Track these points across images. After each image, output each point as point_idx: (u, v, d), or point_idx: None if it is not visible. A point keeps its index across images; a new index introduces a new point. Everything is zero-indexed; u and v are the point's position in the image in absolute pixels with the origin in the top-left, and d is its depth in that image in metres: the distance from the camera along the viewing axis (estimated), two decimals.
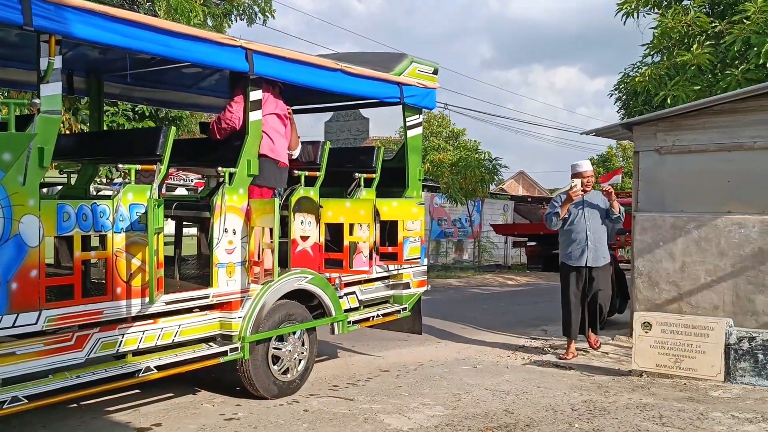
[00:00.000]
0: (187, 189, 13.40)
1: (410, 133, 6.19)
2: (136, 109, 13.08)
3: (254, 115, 4.76)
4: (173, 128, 4.28)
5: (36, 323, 3.58)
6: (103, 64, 5.55)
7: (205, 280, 4.80)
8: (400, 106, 6.04)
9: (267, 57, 4.75)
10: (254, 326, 4.77)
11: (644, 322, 5.99)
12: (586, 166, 6.89)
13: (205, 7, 10.89)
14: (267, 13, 14.49)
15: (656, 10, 10.67)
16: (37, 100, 3.22)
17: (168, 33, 4.11)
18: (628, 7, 10.77)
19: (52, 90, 3.58)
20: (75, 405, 4.71)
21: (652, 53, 11.22)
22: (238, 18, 14.46)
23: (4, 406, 3.49)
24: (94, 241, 4.15)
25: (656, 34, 10.23)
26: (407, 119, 6.15)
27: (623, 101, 14.93)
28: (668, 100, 9.37)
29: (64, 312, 3.73)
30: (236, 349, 4.67)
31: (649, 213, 7.27)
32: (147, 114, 12.99)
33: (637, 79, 10.48)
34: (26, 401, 3.58)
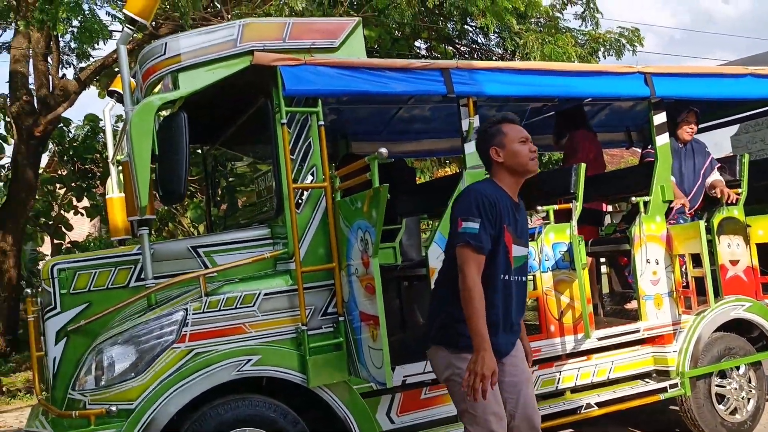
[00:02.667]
0: None
1: None
2: None
3: (661, 139, 4.56)
4: (583, 165, 4.33)
5: None
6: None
7: (623, 315, 4.71)
8: None
9: (665, 77, 4.55)
10: (692, 360, 4.44)
11: None
12: None
13: (576, 48, 10.93)
14: (635, 43, 13.92)
15: None
16: (383, 150, 3.13)
17: (568, 74, 4.24)
18: None
19: (473, 147, 3.93)
20: None
21: None
22: (605, 54, 14.18)
23: None
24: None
25: None
26: None
27: None
28: None
29: None
30: (675, 385, 4.40)
31: None
32: None
33: None
34: None
